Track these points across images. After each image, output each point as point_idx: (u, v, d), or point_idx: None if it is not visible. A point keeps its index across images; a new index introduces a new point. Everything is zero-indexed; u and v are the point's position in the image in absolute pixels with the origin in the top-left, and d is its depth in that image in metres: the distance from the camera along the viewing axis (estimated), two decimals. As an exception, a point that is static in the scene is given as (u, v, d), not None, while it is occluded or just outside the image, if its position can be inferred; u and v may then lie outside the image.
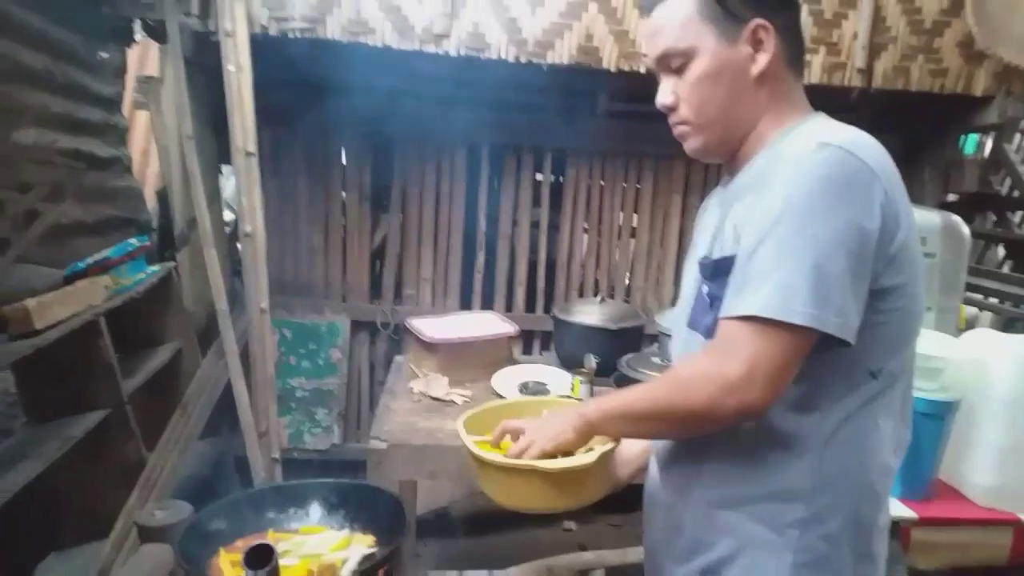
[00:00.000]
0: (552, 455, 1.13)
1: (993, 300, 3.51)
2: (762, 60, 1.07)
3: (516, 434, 1.20)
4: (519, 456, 1.14)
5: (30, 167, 2.00)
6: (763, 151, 1.08)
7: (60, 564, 1.75)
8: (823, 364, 1.00)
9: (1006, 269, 4.06)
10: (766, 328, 0.94)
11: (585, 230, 3.73)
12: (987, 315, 3.61)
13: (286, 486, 1.53)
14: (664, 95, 1.12)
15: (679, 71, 1.09)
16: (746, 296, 0.96)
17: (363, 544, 1.34)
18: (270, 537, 1.35)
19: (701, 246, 1.18)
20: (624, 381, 2.20)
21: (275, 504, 1.45)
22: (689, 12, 1.06)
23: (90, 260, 2.02)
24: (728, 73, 1.07)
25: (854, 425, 1.04)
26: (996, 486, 1.76)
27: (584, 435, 1.13)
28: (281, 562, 1.18)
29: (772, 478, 1.07)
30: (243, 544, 1.30)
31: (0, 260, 1.85)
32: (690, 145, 1.14)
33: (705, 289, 1.11)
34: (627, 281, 3.80)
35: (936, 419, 1.72)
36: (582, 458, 1.14)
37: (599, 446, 1.17)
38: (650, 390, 1.09)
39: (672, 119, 1.14)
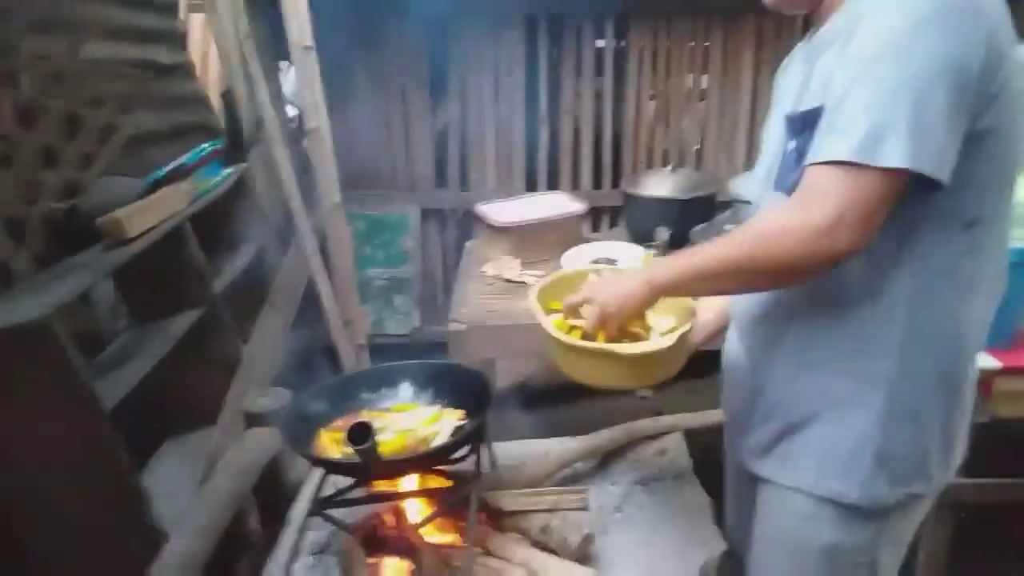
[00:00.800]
0: (623, 326, 1.14)
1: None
2: None
3: (581, 305, 1.19)
4: (593, 331, 1.16)
5: (100, 80, 2.04)
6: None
7: (176, 448, 1.92)
8: (914, 212, 0.96)
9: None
10: (857, 172, 0.89)
11: (652, 97, 3.59)
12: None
13: (376, 369, 1.62)
14: None
15: None
16: (836, 139, 0.91)
17: (453, 418, 1.42)
18: (365, 416, 1.45)
19: (785, 102, 1.12)
20: (697, 251, 2.17)
21: (368, 386, 1.54)
22: None
23: (169, 168, 2.08)
24: None
25: (947, 279, 1.01)
26: (1087, 334, 1.70)
27: (650, 300, 1.12)
28: (378, 438, 1.27)
29: (860, 335, 1.05)
30: (342, 423, 1.41)
31: (86, 174, 1.93)
32: None
33: (792, 145, 1.06)
34: (697, 147, 3.68)
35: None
36: (660, 342, 1.15)
37: (677, 327, 1.17)
38: (726, 247, 1.04)
39: None
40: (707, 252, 1.06)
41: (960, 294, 1.03)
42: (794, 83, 1.11)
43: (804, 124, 1.02)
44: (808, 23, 1.13)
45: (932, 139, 0.88)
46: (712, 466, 1.47)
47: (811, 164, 0.94)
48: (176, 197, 1.98)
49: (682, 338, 1.16)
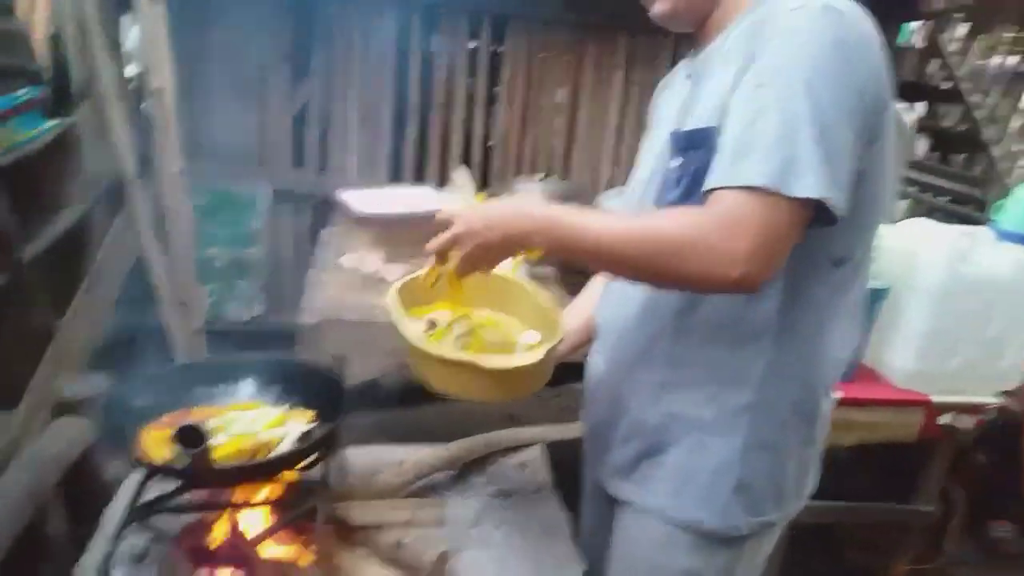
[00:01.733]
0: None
1: (912, 190, 3.63)
2: None
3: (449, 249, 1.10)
4: (461, 276, 1.09)
5: None
6: (740, 17, 1.00)
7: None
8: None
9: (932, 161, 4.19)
10: (772, 200, 0.87)
11: (523, 105, 3.58)
12: (903, 204, 3.74)
13: (216, 361, 1.45)
14: None
15: None
16: (750, 165, 0.88)
17: (300, 421, 1.28)
18: (198, 414, 1.27)
19: (668, 119, 1.10)
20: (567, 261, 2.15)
21: (204, 379, 1.37)
22: None
23: (-26, 112, 1.79)
24: None
25: (812, 314, 1.03)
26: (914, 369, 1.84)
27: (518, 253, 1.07)
28: (211, 441, 1.12)
29: (725, 364, 1.06)
30: (170, 420, 1.23)
31: None
32: (658, 8, 1.06)
33: (676, 163, 1.04)
34: (565, 159, 3.71)
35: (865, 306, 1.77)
36: (527, 357, 1.11)
37: (544, 342, 1.14)
38: (626, 241, 0.95)
39: None
40: (601, 234, 0.96)
41: (822, 330, 1.05)
42: (677, 100, 1.10)
43: (690, 143, 1.00)
44: (679, 45, 1.13)
45: (840, 171, 0.88)
46: (571, 480, 1.44)
47: (724, 187, 0.90)
48: (-21, 146, 1.70)
49: (548, 353, 1.12)
